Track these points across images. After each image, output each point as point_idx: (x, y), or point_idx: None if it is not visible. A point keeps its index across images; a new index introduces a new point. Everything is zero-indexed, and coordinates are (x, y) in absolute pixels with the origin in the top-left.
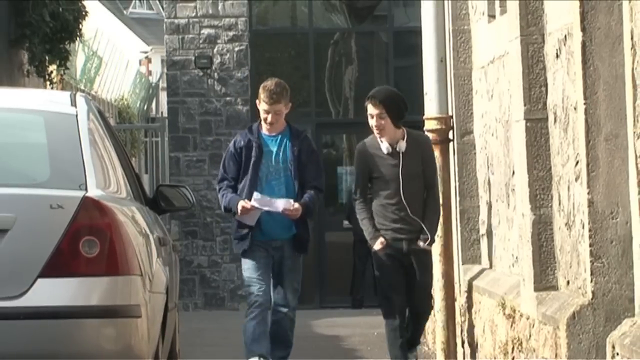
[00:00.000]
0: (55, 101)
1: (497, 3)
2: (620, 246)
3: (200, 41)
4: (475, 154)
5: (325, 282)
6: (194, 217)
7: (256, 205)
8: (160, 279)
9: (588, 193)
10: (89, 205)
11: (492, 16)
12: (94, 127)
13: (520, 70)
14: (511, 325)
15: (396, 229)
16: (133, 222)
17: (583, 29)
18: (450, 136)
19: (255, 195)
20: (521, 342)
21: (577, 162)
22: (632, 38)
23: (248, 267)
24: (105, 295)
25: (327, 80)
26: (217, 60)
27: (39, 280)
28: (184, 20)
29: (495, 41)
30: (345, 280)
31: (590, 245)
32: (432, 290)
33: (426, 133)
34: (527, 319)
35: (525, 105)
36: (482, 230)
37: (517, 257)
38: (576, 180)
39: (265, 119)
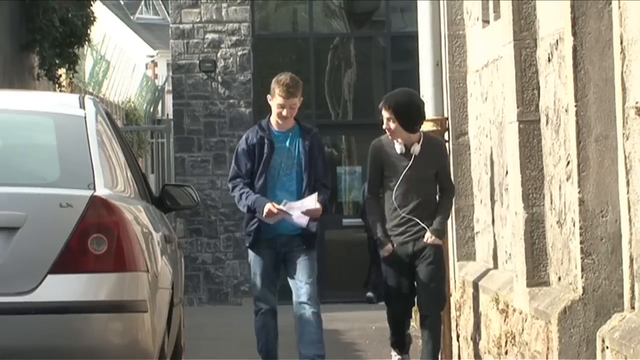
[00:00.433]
0: (65, 104)
1: (491, 9)
2: (610, 243)
3: (205, 46)
4: (470, 154)
5: (325, 279)
6: (198, 215)
7: (284, 209)
8: (166, 275)
9: (579, 192)
10: (97, 204)
11: (486, 21)
12: (102, 128)
13: (513, 73)
14: (504, 320)
15: (402, 232)
16: (140, 220)
17: (574, 34)
18: (446, 137)
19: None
20: (514, 336)
21: (569, 163)
22: (621, 42)
23: (255, 263)
24: (112, 291)
25: (327, 83)
26: (220, 64)
27: (49, 276)
28: (189, 26)
29: (490, 46)
30: (344, 276)
31: (581, 243)
32: (445, 287)
33: None
34: (520, 313)
35: (518, 107)
36: (477, 228)
37: (510, 254)
38: (567, 179)
39: (280, 114)
